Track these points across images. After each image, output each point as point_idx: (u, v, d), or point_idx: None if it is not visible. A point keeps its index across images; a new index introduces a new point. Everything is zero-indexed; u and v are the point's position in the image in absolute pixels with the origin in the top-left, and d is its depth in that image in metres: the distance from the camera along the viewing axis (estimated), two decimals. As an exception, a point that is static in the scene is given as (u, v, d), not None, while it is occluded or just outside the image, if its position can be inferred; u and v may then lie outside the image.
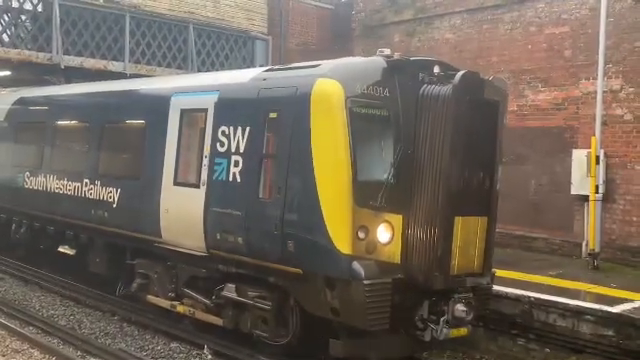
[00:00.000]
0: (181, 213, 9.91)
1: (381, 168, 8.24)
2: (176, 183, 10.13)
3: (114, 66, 16.42)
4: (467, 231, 8.25)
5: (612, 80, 13.77)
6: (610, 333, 9.66)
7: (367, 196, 8.02)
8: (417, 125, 8.25)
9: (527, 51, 15.41)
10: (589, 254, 13.08)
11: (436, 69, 8.53)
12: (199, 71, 17.23)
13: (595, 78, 13.46)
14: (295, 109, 8.49)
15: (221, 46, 18.06)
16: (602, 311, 9.82)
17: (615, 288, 11.26)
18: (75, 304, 12.34)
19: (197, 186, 9.65)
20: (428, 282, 8.08)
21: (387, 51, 8.72)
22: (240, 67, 17.41)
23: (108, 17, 16.49)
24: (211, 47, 17.88)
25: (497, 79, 8.61)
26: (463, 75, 8.05)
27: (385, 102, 8.32)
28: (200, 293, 9.97)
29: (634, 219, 13.52)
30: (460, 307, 8.27)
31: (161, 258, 10.56)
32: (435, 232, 8.00)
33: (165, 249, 10.28)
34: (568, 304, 10.15)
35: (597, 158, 13.07)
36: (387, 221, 8.16)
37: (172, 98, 10.50)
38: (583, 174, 13.52)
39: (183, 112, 10.25)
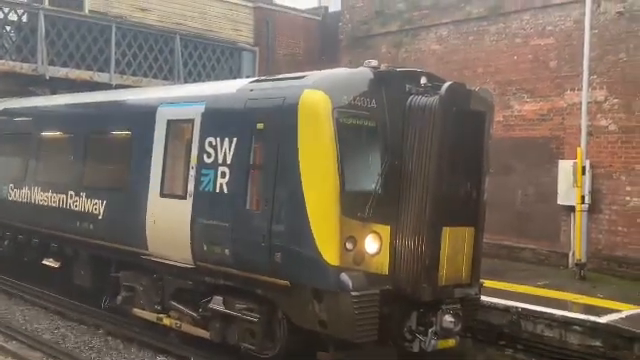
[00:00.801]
0: (167, 225, 9.84)
1: (368, 179, 8.22)
2: (162, 194, 10.07)
3: (100, 77, 16.35)
4: (455, 242, 8.24)
5: (597, 91, 13.88)
6: (597, 343, 9.67)
7: (355, 207, 7.99)
8: (404, 136, 8.26)
9: (513, 62, 15.51)
10: (576, 264, 13.13)
11: (423, 80, 8.57)
12: (185, 82, 17.18)
13: (580, 89, 13.53)
14: (282, 120, 8.48)
15: (208, 57, 18.05)
16: (589, 321, 9.83)
17: (602, 298, 11.29)
18: (59, 317, 12.20)
19: (184, 197, 9.59)
20: (416, 293, 8.06)
21: (374, 62, 8.74)
22: (227, 78, 17.37)
23: (94, 28, 16.43)
24: (198, 58, 17.87)
25: (483, 90, 8.64)
26: (450, 86, 8.07)
27: (372, 113, 8.32)
28: (187, 305, 9.88)
29: (620, 229, 13.58)
30: (448, 318, 8.25)
31: (147, 270, 10.47)
32: (423, 243, 8.00)
33: (151, 261, 10.19)
34: (555, 314, 10.16)
35: (583, 168, 13.11)
36: (375, 232, 8.14)
37: (158, 109, 10.45)
38: (569, 184, 13.58)
39: (169, 123, 10.20)
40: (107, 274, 11.43)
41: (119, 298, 11.04)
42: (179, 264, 9.65)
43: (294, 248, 8.19)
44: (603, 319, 9.85)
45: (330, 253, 7.90)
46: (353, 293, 7.76)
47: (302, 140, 8.24)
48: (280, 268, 8.32)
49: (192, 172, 9.51)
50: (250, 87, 9.40)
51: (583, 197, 13.13)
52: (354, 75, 8.62)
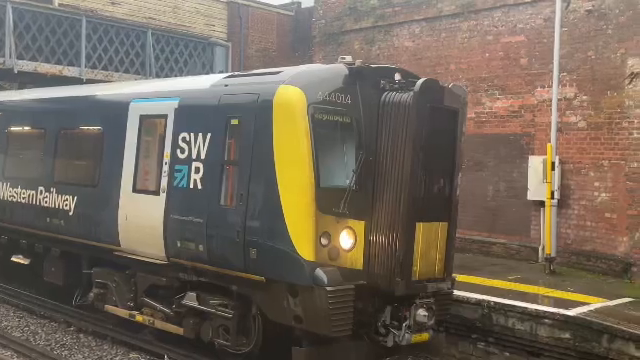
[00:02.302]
0: (140, 221, 9.77)
1: (343, 175, 8.26)
2: (135, 190, 10.00)
3: (70, 71, 16.10)
4: (428, 237, 8.31)
5: (566, 88, 14.08)
6: (567, 336, 9.85)
7: (330, 203, 8.03)
8: (379, 132, 8.30)
9: (484, 59, 15.68)
10: (545, 258, 13.34)
11: (397, 76, 8.61)
12: (157, 77, 17.03)
13: (550, 86, 13.73)
14: (257, 116, 8.46)
15: (180, 52, 17.90)
16: (559, 314, 10.00)
17: (571, 292, 11.49)
18: (29, 315, 12.04)
19: (157, 193, 9.54)
20: (390, 288, 8.11)
21: (349, 58, 8.75)
22: (199, 73, 17.27)
23: (63, 21, 16.16)
24: (170, 53, 17.70)
25: (456, 87, 8.71)
26: (424, 82, 8.13)
27: (347, 109, 8.35)
28: (160, 302, 9.83)
29: (588, 224, 13.81)
30: (422, 312, 8.33)
31: (119, 267, 10.38)
32: (397, 238, 8.06)
33: (124, 257, 10.11)
34: (526, 308, 10.31)
35: (552, 164, 13.30)
36: (350, 227, 8.18)
37: (131, 104, 10.36)
38: (539, 180, 13.80)
39: (142, 118, 10.12)
40: (79, 271, 11.32)
41: (91, 295, 10.94)
42: (152, 260, 9.60)
43: (269, 244, 8.19)
44: (572, 312, 10.03)
45: (305, 249, 7.93)
46: (328, 288, 7.80)
47: (277, 136, 8.24)
48: (255, 264, 8.31)
49: (165, 168, 9.45)
50: (225, 82, 9.35)
51: (553, 192, 13.33)
52: (329, 71, 8.63)
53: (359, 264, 8.25)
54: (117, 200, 10.18)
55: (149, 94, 10.45)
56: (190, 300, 9.25)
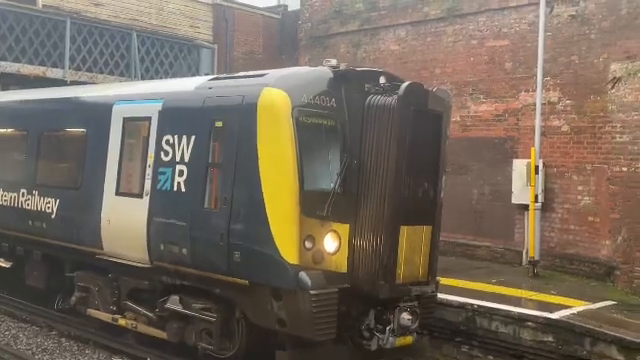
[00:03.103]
0: (123, 224, 9.71)
1: (328, 178, 8.25)
2: (118, 193, 9.93)
3: (53, 73, 15.96)
4: (412, 240, 8.31)
5: (550, 92, 14.16)
6: (550, 339, 9.90)
7: (314, 206, 8.01)
8: (363, 135, 8.30)
9: (469, 63, 15.73)
10: (529, 262, 13.40)
11: (382, 80, 8.63)
12: (142, 79, 16.94)
13: (534, 90, 13.80)
14: (241, 118, 8.43)
15: (165, 54, 17.81)
16: (542, 317, 10.05)
17: (554, 295, 11.55)
18: (10, 319, 11.88)
19: (140, 196, 9.48)
20: (374, 291, 8.10)
21: (333, 61, 8.76)
22: (185, 75, 17.19)
23: (47, 22, 16.04)
24: (155, 55, 17.61)
25: (440, 90, 8.75)
26: (408, 86, 8.14)
27: (332, 112, 8.35)
28: (143, 306, 9.77)
29: (572, 227, 13.88)
30: (405, 316, 8.32)
31: (102, 270, 10.30)
32: (381, 241, 8.04)
33: (106, 261, 10.04)
34: (510, 311, 10.36)
35: (536, 168, 13.38)
36: (334, 231, 8.17)
37: (114, 106, 10.30)
38: (523, 183, 13.87)
39: (126, 120, 10.06)
40: (61, 274, 11.22)
41: (73, 299, 10.84)
42: (135, 264, 9.53)
43: (253, 247, 8.16)
44: (555, 315, 10.09)
45: (289, 252, 7.90)
46: (312, 292, 7.77)
47: (261, 139, 8.21)
48: (239, 267, 8.27)
49: (149, 170, 9.40)
50: (209, 85, 9.33)
51: (536, 196, 13.41)
52: (314, 74, 8.63)
53: (343, 267, 8.23)
54: (100, 203, 10.10)
55: (132, 96, 10.38)
56: (173, 304, 9.20)
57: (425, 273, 8.54)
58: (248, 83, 8.77)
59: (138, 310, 9.81)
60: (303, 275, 7.84)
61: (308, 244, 7.99)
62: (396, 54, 17.18)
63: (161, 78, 17.02)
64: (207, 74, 16.48)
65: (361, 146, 8.29)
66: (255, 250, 8.13)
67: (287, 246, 7.92)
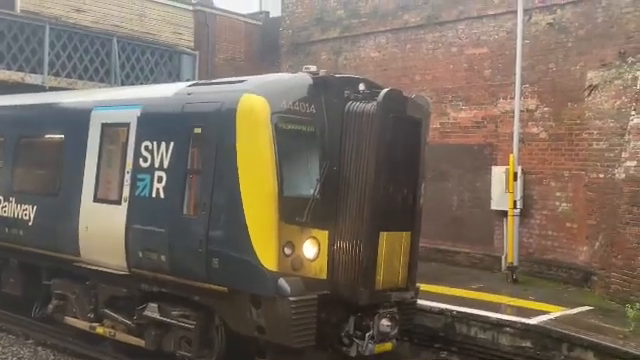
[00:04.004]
0: (101, 231, 9.63)
1: (307, 184, 8.23)
2: (96, 200, 9.85)
3: (32, 78, 15.82)
4: (392, 246, 8.33)
5: (528, 100, 14.29)
6: (528, 344, 9.96)
7: (293, 212, 7.99)
8: (342, 141, 8.31)
9: (449, 70, 15.83)
10: (508, 267, 13.49)
11: (361, 86, 8.64)
12: (123, 85, 16.83)
13: (512, 98, 13.92)
14: (220, 125, 8.41)
15: (146, 60, 17.72)
16: (520, 323, 10.12)
17: (533, 300, 11.64)
18: (-15, 328, 11.78)
19: (118, 203, 9.41)
20: (354, 297, 8.10)
21: (313, 68, 8.78)
22: (166, 81, 17.12)
23: (26, 28, 15.90)
24: (135, 61, 17.51)
25: (419, 97, 8.78)
26: (387, 93, 8.17)
27: (311, 118, 8.35)
28: (121, 313, 9.68)
29: (550, 233, 14.00)
30: (385, 322, 8.33)
31: (80, 278, 10.20)
32: (360, 248, 8.05)
33: (84, 268, 9.94)
34: (489, 317, 10.41)
35: (515, 174, 13.51)
36: (313, 237, 8.16)
37: (92, 112, 10.23)
38: (502, 190, 13.96)
39: (104, 126, 9.99)
40: (38, 282, 11.09)
41: (50, 307, 10.72)
42: (113, 271, 9.45)
43: (232, 254, 8.12)
44: (533, 320, 10.15)
45: (268, 258, 7.87)
46: (291, 298, 7.75)
47: (240, 145, 8.19)
48: (217, 274, 8.23)
49: (127, 177, 9.33)
50: (188, 91, 9.29)
51: (515, 202, 13.54)
52: (293, 80, 8.64)
53: (323, 274, 8.22)
54: (78, 210, 10.01)
55: (111, 102, 10.32)
56: (151, 311, 9.13)
57: (405, 279, 8.57)
58: (227, 89, 8.76)
59: (116, 318, 9.71)
60: (282, 282, 7.81)
61: (287, 250, 7.97)
62: (376, 61, 17.25)
63: (142, 84, 16.92)
64: (188, 80, 16.53)
65: (340, 152, 8.29)
66: (234, 257, 8.10)
67: (266, 253, 7.89)
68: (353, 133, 8.25)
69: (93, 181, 9.92)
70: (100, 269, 9.65)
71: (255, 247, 7.92)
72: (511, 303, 11.46)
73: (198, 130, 8.65)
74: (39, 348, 10.63)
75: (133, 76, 17.34)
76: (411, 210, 8.60)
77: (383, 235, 8.19)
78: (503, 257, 14.00)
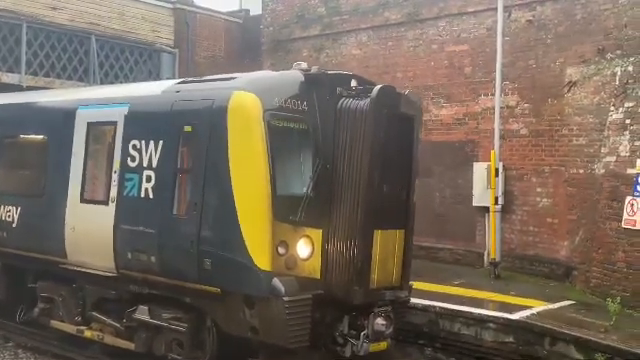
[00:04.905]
0: (88, 231, 9.46)
1: (300, 182, 8.16)
2: (83, 200, 9.68)
3: (9, 78, 15.55)
4: (386, 244, 8.27)
5: (509, 96, 14.36)
6: (510, 339, 10.02)
7: (286, 211, 7.91)
8: (335, 139, 8.22)
9: (430, 68, 15.84)
10: (490, 263, 13.56)
11: (353, 83, 8.58)
12: (102, 84, 16.58)
13: (493, 94, 13.98)
14: (211, 122, 8.28)
15: (125, 58, 17.50)
16: (503, 318, 10.17)
17: (515, 296, 11.69)
18: (-35, 331, 11.49)
19: (106, 203, 9.26)
20: (348, 297, 8.02)
21: (304, 65, 8.72)
22: (146, 80, 16.92)
23: (3, 27, 15.59)
24: (115, 59, 17.28)
25: (412, 94, 8.75)
26: (381, 89, 8.10)
27: (303, 116, 8.27)
28: (110, 316, 9.53)
29: (531, 229, 14.08)
30: (380, 321, 8.25)
31: (66, 280, 10.01)
32: (355, 246, 7.97)
33: (71, 270, 9.76)
34: (471, 313, 10.43)
35: (496, 171, 13.57)
36: (307, 236, 8.08)
37: (78, 111, 10.03)
38: (484, 186, 14.03)
39: (90, 125, 9.81)
40: (23, 285, 10.85)
41: (36, 310, 10.51)
42: (101, 273, 9.28)
43: (224, 254, 8.01)
44: (515, 316, 10.19)
45: (262, 258, 7.78)
46: (285, 298, 7.67)
47: (232, 143, 8.08)
48: (210, 275, 8.11)
49: (115, 176, 9.19)
50: (176, 88, 9.16)
51: (497, 198, 13.60)
52: (285, 77, 8.55)
53: (317, 273, 8.13)
54: (63, 211, 9.82)
55: (97, 100, 10.14)
56: (142, 314, 8.97)
57: (399, 278, 8.52)
58: (218, 86, 8.64)
59: (104, 321, 9.56)
60: (276, 282, 7.72)
61: (281, 250, 7.88)
62: (358, 58, 17.21)
63: (121, 83, 16.68)
64: (169, 78, 16.33)
65: (333, 150, 8.21)
66: (226, 257, 7.99)
67: (259, 252, 7.79)
68: (346, 130, 8.16)
69: (79, 181, 9.74)
70: (87, 271, 9.47)
71: (248, 247, 7.82)
72: (494, 299, 11.49)
73: (188, 128, 8.51)
74: (19, 351, 10.45)
75: (112, 75, 17.11)
76: (404, 207, 8.56)
77: (377, 233, 8.12)
78: (485, 253, 14.07)
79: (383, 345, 8.47)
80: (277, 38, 19.08)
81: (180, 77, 16.90)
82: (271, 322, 7.79)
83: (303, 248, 8.07)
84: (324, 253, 8.14)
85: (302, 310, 7.80)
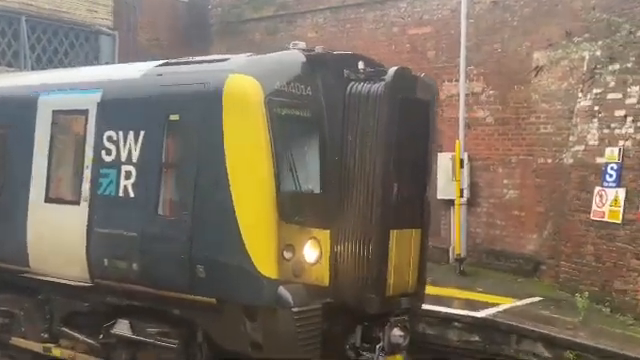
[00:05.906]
0: (55, 236, 8.42)
1: (306, 177, 7.36)
2: (48, 200, 8.64)
3: None
4: (402, 246, 7.50)
5: (474, 82, 13.89)
6: (476, 338, 9.72)
7: (292, 209, 7.11)
8: (345, 127, 7.41)
9: (391, 52, 15.17)
10: (456, 259, 13.11)
11: (360, 65, 7.75)
12: (33, 69, 15.14)
13: (457, 80, 13.48)
14: (203, 110, 7.39)
15: (59, 41, 16.02)
16: (468, 317, 9.87)
17: (481, 292, 11.37)
18: None
19: (76, 203, 8.26)
20: (362, 305, 7.26)
21: (302, 44, 7.92)
22: (83, 64, 15.60)
23: None
24: (47, 42, 15.79)
25: (427, 76, 8.03)
26: (397, 71, 7.32)
27: (307, 102, 7.44)
28: (82, 332, 8.52)
29: (498, 222, 13.71)
30: (397, 332, 7.52)
31: (29, 291, 8.94)
32: (368, 248, 7.20)
33: (35, 280, 8.69)
34: (437, 311, 9.98)
35: (461, 161, 13.08)
36: (314, 237, 7.27)
37: (40, 98, 8.93)
38: (448, 178, 13.50)
39: (55, 114, 8.73)
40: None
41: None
42: (72, 282, 8.25)
43: (221, 259, 7.19)
44: (481, 313, 9.91)
45: (265, 264, 6.97)
46: (294, 309, 6.90)
47: (228, 133, 7.21)
48: (203, 283, 7.26)
49: (87, 172, 8.22)
50: (158, 71, 8.19)
51: (462, 191, 13.13)
52: (285, 58, 7.69)
53: (325, 280, 7.33)
54: (24, 212, 8.76)
55: (63, 85, 9.02)
56: (121, 329, 8.00)
57: (414, 283, 7.79)
58: (209, 69, 7.74)
59: (76, 337, 8.54)
60: (283, 290, 6.94)
61: (287, 254, 7.06)
62: (314, 42, 16.13)
63: (56, 68, 15.24)
64: (107, 63, 15.03)
65: (343, 140, 7.39)
66: (224, 263, 7.16)
67: (263, 257, 6.99)
68: (357, 118, 7.34)
69: (44, 178, 8.69)
70: (55, 280, 8.43)
71: (249, 251, 7.00)
72: (459, 296, 11.15)
73: (175, 117, 7.61)
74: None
75: (45, 59, 15.66)
76: (420, 204, 7.83)
77: (393, 233, 7.35)
78: (450, 249, 13.60)
79: (399, 358, 7.74)
80: (227, 19, 18.09)
81: (121, 61, 15.80)
82: (277, 336, 7.03)
83: (310, 252, 7.26)
84: (333, 257, 7.35)
85: (312, 322, 7.06)
